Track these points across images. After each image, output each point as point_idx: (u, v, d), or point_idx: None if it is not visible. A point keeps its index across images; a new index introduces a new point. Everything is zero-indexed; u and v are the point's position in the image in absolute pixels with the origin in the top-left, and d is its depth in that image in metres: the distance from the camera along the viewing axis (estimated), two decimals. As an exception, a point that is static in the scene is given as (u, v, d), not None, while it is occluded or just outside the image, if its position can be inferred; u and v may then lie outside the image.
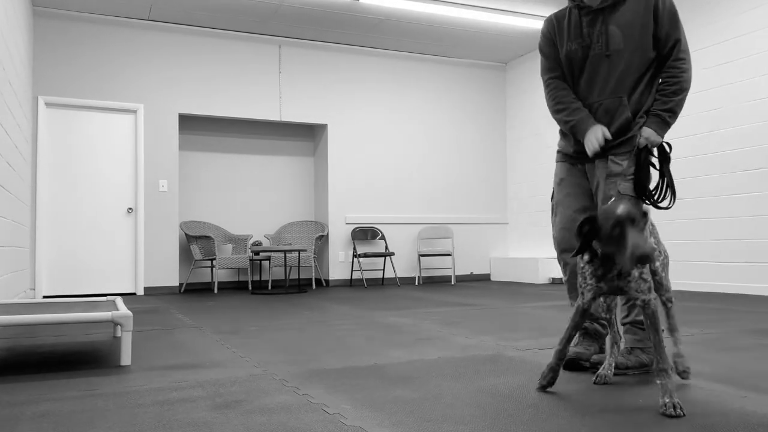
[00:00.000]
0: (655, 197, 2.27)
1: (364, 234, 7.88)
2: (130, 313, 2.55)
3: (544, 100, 8.09)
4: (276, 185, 8.07)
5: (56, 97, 6.54)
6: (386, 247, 7.83)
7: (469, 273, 8.48)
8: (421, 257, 8.14)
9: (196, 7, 6.62)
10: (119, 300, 3.20)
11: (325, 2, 6.56)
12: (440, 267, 8.37)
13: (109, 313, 2.53)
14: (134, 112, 6.93)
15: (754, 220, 5.55)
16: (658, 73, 2.35)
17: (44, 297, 6.41)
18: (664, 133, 2.29)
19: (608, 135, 2.33)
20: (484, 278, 8.57)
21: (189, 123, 7.65)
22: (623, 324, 2.39)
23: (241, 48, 7.44)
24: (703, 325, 3.54)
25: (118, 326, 3.36)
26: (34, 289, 6.33)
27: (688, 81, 2.29)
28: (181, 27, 7.16)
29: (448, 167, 8.46)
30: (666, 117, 2.28)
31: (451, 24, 7.25)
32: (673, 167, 6.28)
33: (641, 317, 2.33)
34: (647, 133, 2.27)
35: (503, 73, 8.87)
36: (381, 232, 7.96)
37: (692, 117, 6.13)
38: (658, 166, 2.33)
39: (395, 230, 8.09)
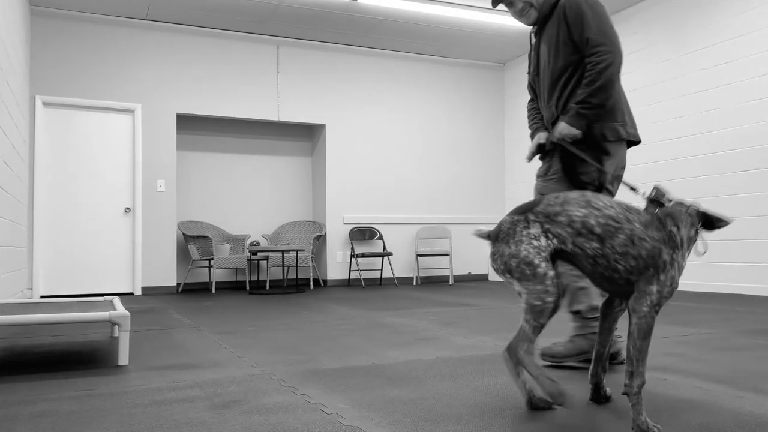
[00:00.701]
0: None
1: (362, 234, 7.88)
2: (127, 313, 2.54)
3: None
4: (274, 185, 8.07)
5: (54, 97, 6.53)
6: (384, 247, 7.83)
7: (467, 273, 8.49)
8: (419, 257, 8.14)
9: (194, 7, 6.62)
10: (117, 300, 3.19)
11: (324, 2, 6.56)
12: (438, 267, 8.37)
13: (107, 313, 2.53)
14: (132, 111, 6.92)
15: (753, 221, 5.56)
16: (582, 74, 2.42)
17: (41, 297, 6.39)
18: (580, 124, 2.33)
19: (542, 140, 2.50)
20: (482, 278, 8.57)
21: (187, 123, 7.64)
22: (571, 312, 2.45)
23: (239, 48, 7.43)
24: (701, 325, 3.54)
25: (116, 326, 3.35)
26: (31, 289, 6.31)
27: (603, 71, 2.30)
28: (179, 27, 7.15)
29: (446, 167, 8.46)
30: (578, 108, 2.32)
31: (449, 24, 7.25)
32: (672, 168, 6.30)
33: (582, 306, 2.39)
34: (558, 128, 2.36)
35: (501, 73, 8.88)
36: (379, 232, 7.96)
37: (691, 117, 6.14)
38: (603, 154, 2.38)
39: (393, 230, 8.09)
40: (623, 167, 2.42)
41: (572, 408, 1.77)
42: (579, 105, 2.32)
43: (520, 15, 2.55)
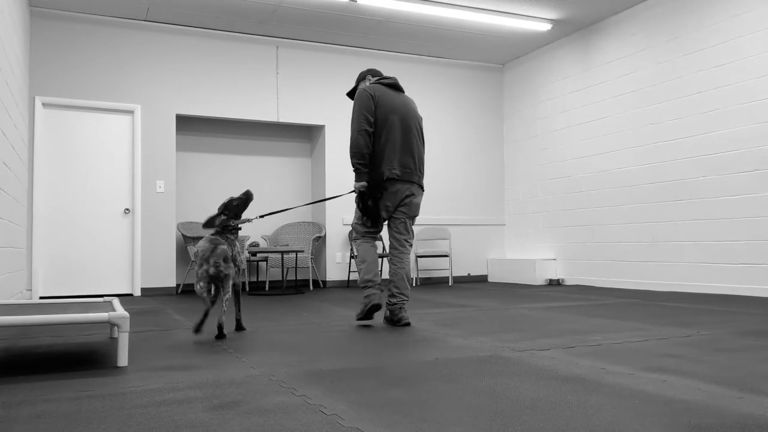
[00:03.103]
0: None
1: (362, 235, 7.87)
2: (126, 314, 2.54)
3: (541, 102, 8.10)
4: (273, 186, 8.07)
5: (53, 98, 6.53)
6: (383, 249, 7.83)
7: (466, 274, 8.49)
8: (418, 258, 8.14)
9: (193, 8, 6.62)
10: (116, 301, 3.19)
11: (323, 3, 6.57)
12: (438, 268, 8.37)
13: (106, 314, 2.53)
14: (131, 112, 6.92)
15: (751, 222, 5.57)
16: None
17: (41, 298, 6.39)
18: (356, 181, 3.80)
19: None
20: (482, 279, 8.57)
21: (186, 124, 7.64)
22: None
23: (238, 49, 7.44)
24: (700, 327, 3.55)
25: (115, 327, 3.35)
26: (30, 290, 6.31)
27: (350, 147, 3.77)
28: (178, 28, 7.15)
29: (446, 169, 8.46)
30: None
31: (449, 25, 7.26)
32: (671, 169, 6.31)
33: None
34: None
35: (500, 75, 8.89)
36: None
37: (687, 119, 6.14)
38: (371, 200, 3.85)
39: (392, 231, 8.08)
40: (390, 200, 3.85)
41: None
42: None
43: None
